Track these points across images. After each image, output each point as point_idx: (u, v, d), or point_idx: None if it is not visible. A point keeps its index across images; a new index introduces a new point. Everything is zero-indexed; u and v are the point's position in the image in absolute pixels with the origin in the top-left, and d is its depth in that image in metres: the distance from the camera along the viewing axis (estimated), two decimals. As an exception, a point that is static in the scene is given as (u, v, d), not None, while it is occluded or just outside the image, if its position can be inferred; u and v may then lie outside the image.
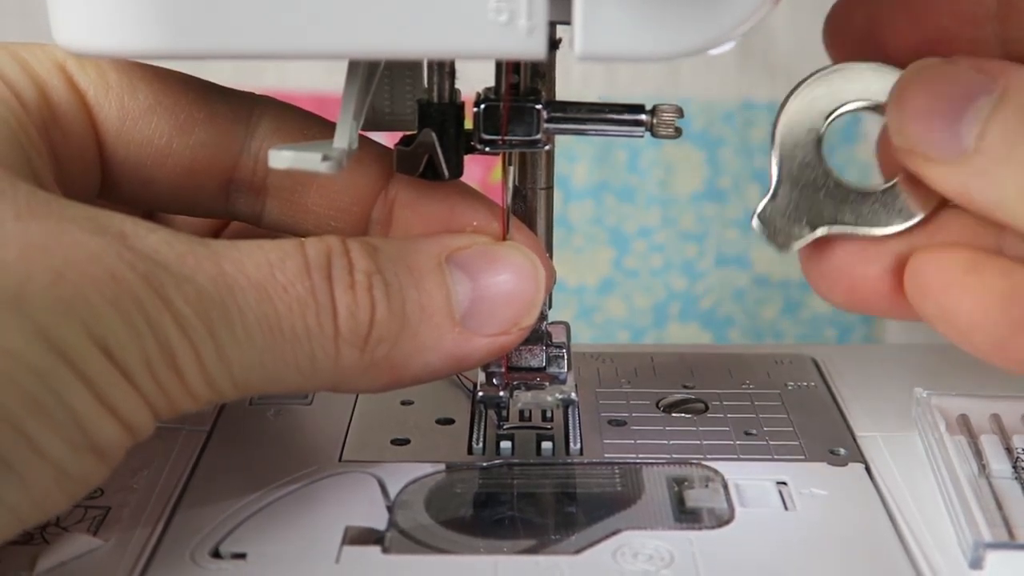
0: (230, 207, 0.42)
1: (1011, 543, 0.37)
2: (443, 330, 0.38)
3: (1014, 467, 0.40)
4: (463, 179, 0.40)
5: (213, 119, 0.40)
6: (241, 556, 0.37)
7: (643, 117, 0.39)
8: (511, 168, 0.41)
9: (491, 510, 0.40)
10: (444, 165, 0.39)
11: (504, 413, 0.44)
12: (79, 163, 0.39)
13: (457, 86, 0.39)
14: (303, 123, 0.41)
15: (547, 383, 0.43)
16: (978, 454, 0.41)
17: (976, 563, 0.36)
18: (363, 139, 0.41)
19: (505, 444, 0.43)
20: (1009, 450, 0.41)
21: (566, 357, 0.44)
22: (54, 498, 0.33)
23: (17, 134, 0.37)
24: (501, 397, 0.43)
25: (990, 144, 0.35)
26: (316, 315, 0.36)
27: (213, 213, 0.42)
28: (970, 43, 0.38)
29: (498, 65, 0.39)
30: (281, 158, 0.35)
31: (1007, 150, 0.35)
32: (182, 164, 0.40)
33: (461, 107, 0.39)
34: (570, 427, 0.43)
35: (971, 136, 0.35)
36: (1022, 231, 0.36)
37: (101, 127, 0.40)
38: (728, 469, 0.42)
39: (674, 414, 0.46)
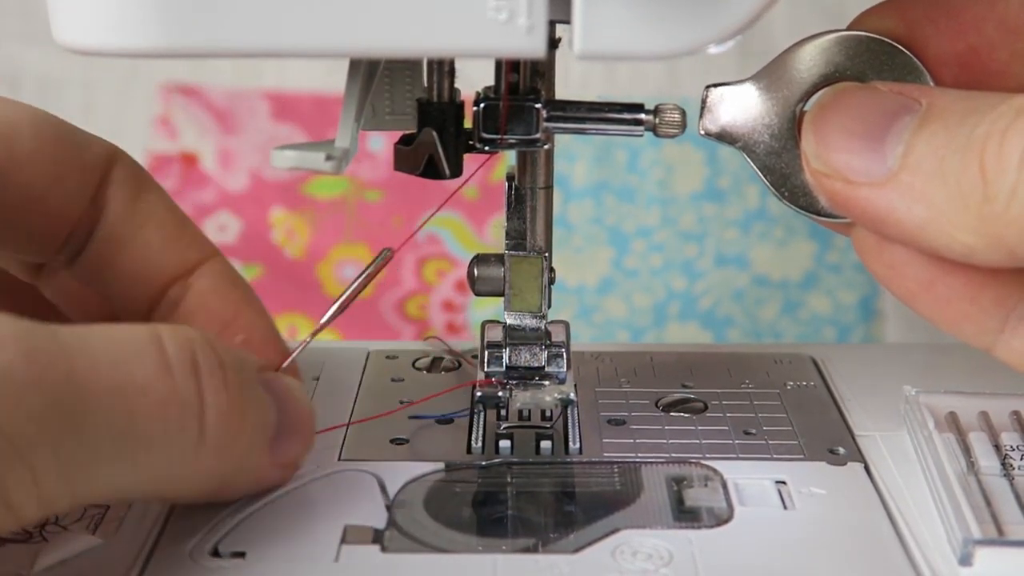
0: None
1: (1000, 540, 0.37)
2: (264, 449, 0.37)
3: (1002, 464, 0.40)
4: (463, 180, 0.40)
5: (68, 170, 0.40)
6: (240, 555, 0.37)
7: (643, 116, 0.39)
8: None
9: (490, 509, 0.40)
10: (444, 164, 0.39)
11: (503, 412, 0.44)
12: None
13: (457, 85, 0.39)
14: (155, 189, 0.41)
15: (546, 382, 0.43)
16: (967, 451, 0.41)
17: (966, 560, 0.37)
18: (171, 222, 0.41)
19: (504, 443, 0.43)
20: (997, 447, 0.41)
21: (565, 356, 0.44)
22: None
23: None
24: (500, 396, 0.43)
25: (918, 160, 0.34)
26: (180, 417, 0.34)
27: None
28: (1008, 54, 0.37)
29: (497, 64, 0.39)
30: (284, 158, 0.35)
31: (936, 164, 0.34)
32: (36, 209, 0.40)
33: (461, 106, 0.39)
34: (569, 426, 0.43)
35: (895, 155, 0.34)
36: (947, 253, 0.34)
37: None
38: (727, 468, 0.42)
39: (673, 413, 0.46)
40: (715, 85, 0.40)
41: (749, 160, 0.40)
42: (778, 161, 0.39)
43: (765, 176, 0.40)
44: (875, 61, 0.38)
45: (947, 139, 0.34)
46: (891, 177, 0.35)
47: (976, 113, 0.34)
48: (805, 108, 0.39)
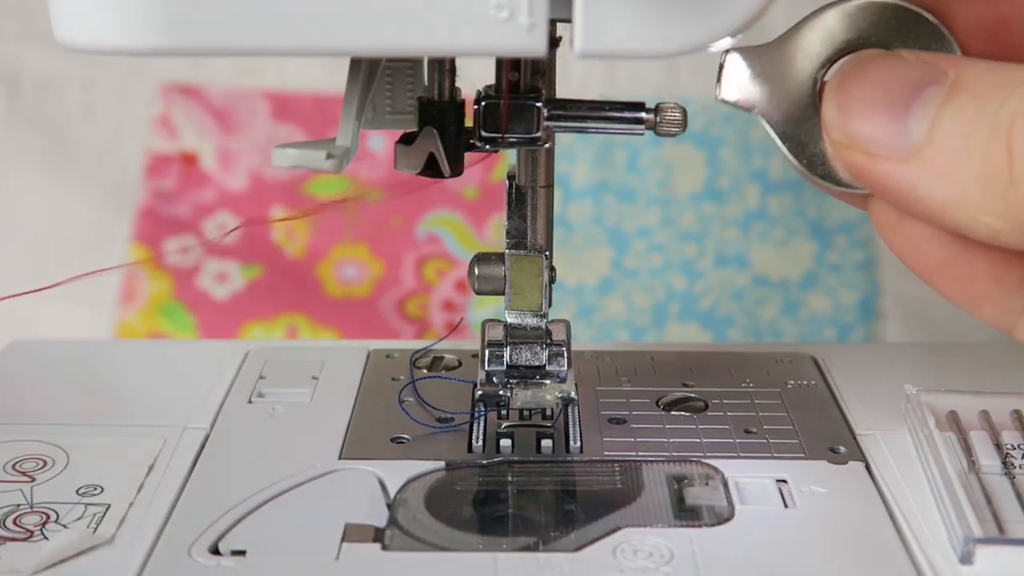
0: None
1: (1001, 538, 0.37)
2: None
3: (1003, 463, 0.40)
4: (464, 177, 0.40)
5: None
6: (240, 553, 0.37)
7: (643, 115, 0.39)
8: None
9: (491, 508, 0.40)
10: (445, 163, 0.39)
11: (504, 411, 0.44)
12: None
13: (457, 84, 0.39)
14: None
15: (547, 381, 0.43)
16: (967, 450, 0.41)
17: (966, 558, 0.36)
18: None
19: (505, 442, 0.43)
20: (998, 446, 0.41)
21: (566, 355, 0.44)
22: None
23: None
24: (501, 395, 0.43)
25: (943, 136, 0.32)
26: None
27: None
28: None
29: (498, 63, 0.39)
30: (284, 156, 0.35)
31: (962, 141, 0.32)
32: None
33: (462, 105, 0.39)
34: (570, 425, 0.43)
35: (920, 129, 0.33)
36: (971, 234, 0.33)
37: None
38: (728, 467, 0.42)
39: (674, 412, 0.46)
40: (734, 49, 0.38)
41: (767, 127, 0.38)
42: (797, 129, 0.38)
43: (783, 143, 0.38)
44: (901, 29, 0.37)
45: (974, 115, 0.32)
46: (915, 153, 0.33)
47: (1004, 88, 0.32)
48: (827, 76, 0.38)
